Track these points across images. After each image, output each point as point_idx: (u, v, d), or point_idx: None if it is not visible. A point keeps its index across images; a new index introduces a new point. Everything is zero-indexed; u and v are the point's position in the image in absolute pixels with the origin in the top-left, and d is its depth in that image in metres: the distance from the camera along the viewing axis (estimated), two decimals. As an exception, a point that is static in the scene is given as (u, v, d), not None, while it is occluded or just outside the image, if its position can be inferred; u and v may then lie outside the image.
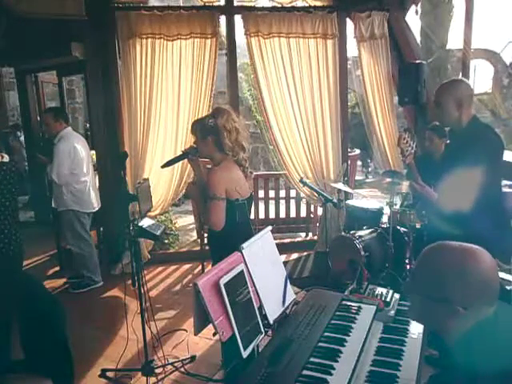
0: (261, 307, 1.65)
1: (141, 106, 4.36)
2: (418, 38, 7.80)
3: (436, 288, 1.11)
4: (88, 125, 6.67)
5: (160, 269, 4.70)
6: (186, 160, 2.53)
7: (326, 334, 1.65)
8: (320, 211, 5.25)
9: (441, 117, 2.46)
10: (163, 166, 2.53)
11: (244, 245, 1.70)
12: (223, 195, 2.21)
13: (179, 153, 2.52)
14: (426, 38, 8.55)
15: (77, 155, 3.98)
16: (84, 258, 4.18)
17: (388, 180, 3.71)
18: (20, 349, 1.25)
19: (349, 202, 4.63)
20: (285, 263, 4.53)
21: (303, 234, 5.71)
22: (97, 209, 4.27)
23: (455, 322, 1.10)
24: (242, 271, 1.60)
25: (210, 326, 1.48)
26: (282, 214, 5.70)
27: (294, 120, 4.66)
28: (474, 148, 2.28)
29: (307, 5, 4.70)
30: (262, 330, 1.60)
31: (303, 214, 5.72)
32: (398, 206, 4.01)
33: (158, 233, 2.84)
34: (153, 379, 2.73)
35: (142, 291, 2.73)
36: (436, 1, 8.56)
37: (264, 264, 1.78)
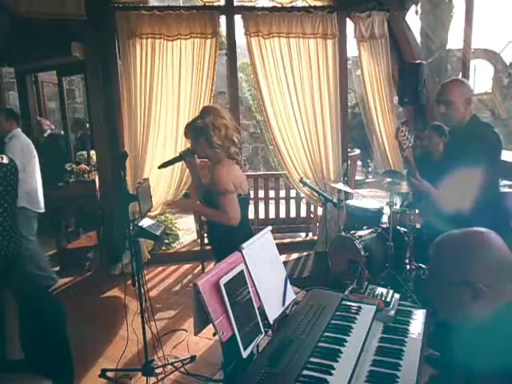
0: (261, 307, 1.65)
1: (141, 106, 4.36)
2: (418, 38, 7.78)
3: (456, 272, 1.15)
4: (88, 125, 6.64)
5: (160, 269, 4.70)
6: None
7: (326, 333, 1.65)
8: (320, 211, 5.25)
9: (450, 116, 2.44)
10: (160, 167, 2.58)
11: (244, 245, 1.70)
12: (233, 188, 2.26)
13: (177, 154, 2.56)
14: (426, 38, 8.54)
15: (29, 153, 3.93)
16: (38, 257, 4.06)
17: (388, 180, 3.71)
18: (20, 349, 1.25)
19: (349, 202, 4.63)
20: (285, 263, 4.53)
21: (303, 234, 5.70)
22: (43, 211, 4.09)
23: (481, 303, 1.13)
24: (242, 271, 1.60)
25: (210, 325, 1.48)
26: (282, 214, 5.69)
27: (294, 120, 4.66)
28: (474, 146, 2.29)
29: (307, 5, 4.70)
30: (262, 329, 1.60)
31: (303, 214, 5.72)
32: (397, 206, 4.01)
33: (158, 233, 2.84)
34: (153, 379, 2.73)
35: (142, 291, 2.73)
36: (436, 1, 8.54)
37: (264, 264, 1.78)
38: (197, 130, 2.32)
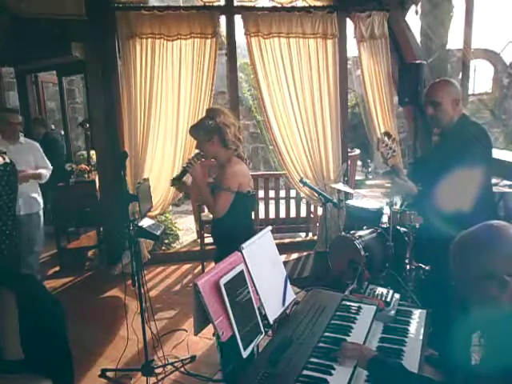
0: (261, 307, 1.65)
1: (141, 106, 4.36)
2: (418, 38, 7.78)
3: (479, 267, 1.18)
4: (88, 125, 6.57)
5: (160, 269, 4.70)
6: (185, 156, 2.54)
7: (326, 334, 1.66)
8: (320, 211, 5.25)
9: (438, 117, 2.46)
10: (172, 185, 2.54)
11: (244, 245, 1.70)
12: (236, 189, 2.34)
13: (182, 166, 2.53)
14: (426, 38, 8.54)
15: None
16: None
17: (388, 180, 3.71)
18: (20, 349, 1.25)
19: (349, 202, 4.63)
20: (285, 263, 4.53)
21: (303, 234, 5.70)
22: None
23: (507, 293, 1.16)
24: (242, 271, 1.60)
25: (210, 325, 1.48)
26: (282, 214, 5.69)
27: (294, 120, 4.66)
28: (467, 148, 2.30)
29: (307, 5, 4.70)
30: (262, 329, 1.60)
31: (303, 214, 5.71)
32: (397, 206, 4.01)
33: (158, 233, 2.84)
34: (153, 379, 2.73)
35: (142, 291, 2.73)
36: (436, 1, 8.54)
37: (264, 264, 1.78)
38: (210, 130, 2.36)
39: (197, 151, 2.49)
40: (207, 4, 4.51)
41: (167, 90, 4.41)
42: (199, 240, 4.95)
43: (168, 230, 5.26)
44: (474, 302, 1.25)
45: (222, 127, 2.35)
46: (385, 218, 4.16)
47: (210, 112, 2.45)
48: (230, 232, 2.31)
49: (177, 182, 2.49)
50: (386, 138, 2.45)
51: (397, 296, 1.99)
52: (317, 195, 4.22)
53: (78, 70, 6.16)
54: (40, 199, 3.80)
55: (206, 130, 2.38)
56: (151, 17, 4.26)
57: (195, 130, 2.44)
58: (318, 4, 4.71)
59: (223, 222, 2.40)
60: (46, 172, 3.81)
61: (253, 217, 2.59)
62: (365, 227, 4.02)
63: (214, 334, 1.46)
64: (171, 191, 4.61)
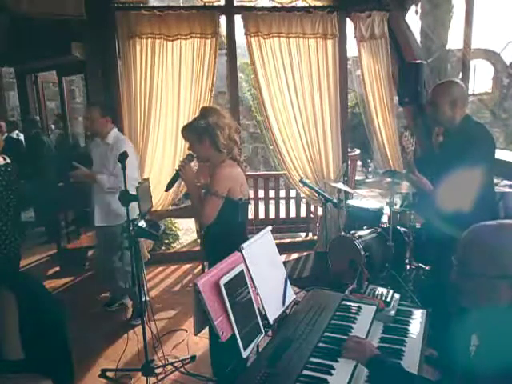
0: (261, 307, 1.65)
1: (141, 106, 4.36)
2: (418, 38, 7.78)
3: (492, 267, 1.15)
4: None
5: (160, 269, 4.70)
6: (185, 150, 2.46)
7: (326, 334, 1.66)
8: (320, 211, 5.25)
9: (435, 117, 2.53)
10: (167, 190, 2.50)
11: (244, 245, 1.70)
12: (224, 194, 2.22)
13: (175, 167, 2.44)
14: (426, 38, 8.54)
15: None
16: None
17: (388, 180, 3.71)
18: (20, 349, 1.25)
19: (349, 202, 4.63)
20: (285, 263, 4.53)
21: (303, 234, 5.71)
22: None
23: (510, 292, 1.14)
24: (242, 271, 1.60)
25: (210, 325, 1.48)
26: (282, 214, 5.70)
27: (294, 120, 4.66)
28: (470, 149, 2.32)
29: (307, 5, 4.70)
30: (262, 329, 1.60)
31: (303, 214, 5.72)
32: (397, 206, 4.01)
33: (158, 233, 2.84)
34: (153, 379, 2.73)
35: (142, 291, 2.73)
36: (436, 1, 8.54)
37: (264, 264, 1.78)
38: (200, 130, 2.25)
39: (188, 152, 2.38)
40: (207, 4, 4.51)
41: (167, 90, 4.41)
42: (199, 240, 4.96)
43: (168, 230, 5.26)
44: (471, 298, 1.22)
45: (214, 128, 2.22)
46: (385, 218, 4.16)
47: (204, 111, 2.33)
48: (219, 241, 2.20)
49: (171, 186, 2.43)
50: (407, 132, 2.50)
51: (397, 296, 1.99)
52: (317, 195, 4.22)
53: (78, 70, 6.15)
54: (120, 211, 3.02)
55: (197, 131, 2.26)
56: (151, 17, 4.26)
57: (187, 130, 2.33)
58: (318, 4, 4.71)
59: (212, 230, 2.30)
60: (104, 178, 3.34)
61: (246, 224, 2.43)
62: (365, 227, 4.02)
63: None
64: (171, 191, 4.60)
